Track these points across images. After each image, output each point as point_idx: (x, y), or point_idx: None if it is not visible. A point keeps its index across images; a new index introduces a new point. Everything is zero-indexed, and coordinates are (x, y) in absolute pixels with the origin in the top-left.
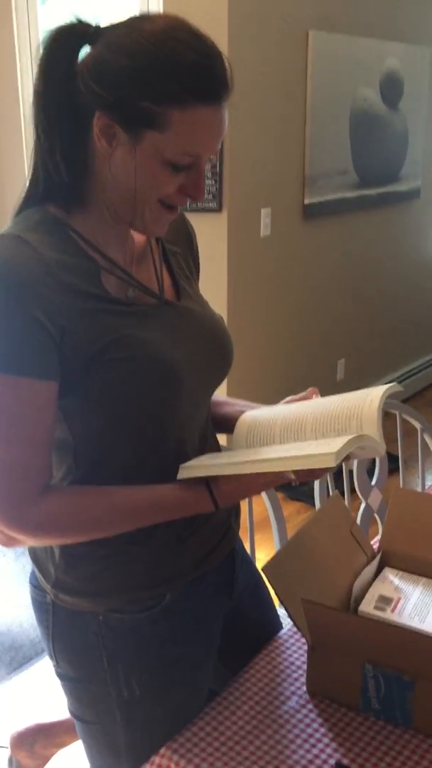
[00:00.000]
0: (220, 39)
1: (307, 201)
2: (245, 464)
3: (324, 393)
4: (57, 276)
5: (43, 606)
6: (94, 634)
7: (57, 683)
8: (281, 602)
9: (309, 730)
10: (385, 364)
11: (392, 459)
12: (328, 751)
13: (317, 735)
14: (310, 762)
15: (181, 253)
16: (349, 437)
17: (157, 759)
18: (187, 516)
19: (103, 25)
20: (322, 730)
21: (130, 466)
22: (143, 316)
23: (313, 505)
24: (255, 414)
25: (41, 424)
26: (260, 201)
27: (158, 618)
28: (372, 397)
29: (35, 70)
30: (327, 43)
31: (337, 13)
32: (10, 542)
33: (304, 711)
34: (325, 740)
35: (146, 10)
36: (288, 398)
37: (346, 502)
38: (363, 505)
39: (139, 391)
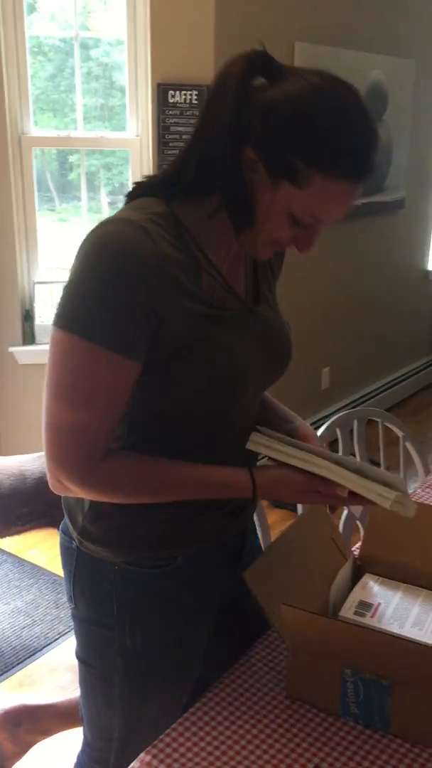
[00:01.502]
0: (207, 49)
1: None
2: (314, 464)
3: (309, 402)
4: (167, 270)
5: (69, 551)
6: (110, 581)
7: (39, 690)
8: (262, 607)
9: (288, 735)
10: (370, 373)
11: (375, 466)
12: (307, 755)
13: (296, 740)
14: (289, 766)
15: (268, 263)
16: (403, 492)
17: (136, 764)
18: (227, 498)
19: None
20: (302, 734)
21: (174, 450)
22: (228, 322)
23: (297, 513)
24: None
25: (118, 399)
26: None
27: (168, 576)
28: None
29: (215, 81)
30: (312, 55)
31: (322, 26)
32: (62, 491)
33: (284, 716)
34: (305, 745)
35: (133, 23)
36: None
37: (327, 510)
38: (345, 513)
39: (206, 388)
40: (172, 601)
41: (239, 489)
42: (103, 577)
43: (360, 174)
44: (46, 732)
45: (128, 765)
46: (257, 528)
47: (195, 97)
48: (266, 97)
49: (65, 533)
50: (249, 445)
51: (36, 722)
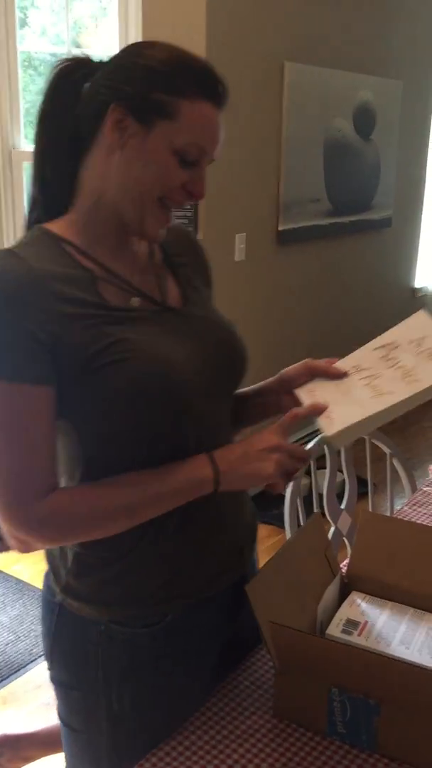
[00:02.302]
0: None
1: (281, 227)
2: (398, 404)
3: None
4: (48, 285)
5: (50, 605)
6: (94, 643)
7: (23, 707)
8: (260, 622)
9: (275, 754)
10: None
11: (362, 483)
12: None
13: (283, 759)
14: None
15: (188, 264)
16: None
17: None
18: (193, 492)
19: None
20: (288, 754)
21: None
22: (142, 321)
23: (283, 528)
24: (310, 387)
25: (38, 429)
26: (235, 226)
27: (158, 635)
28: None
29: (43, 92)
30: (302, 74)
31: (312, 46)
32: (22, 546)
33: (271, 735)
34: (291, 764)
35: (124, 41)
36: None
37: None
38: (332, 529)
39: (139, 394)
40: (161, 662)
41: (197, 468)
42: (88, 639)
43: (217, 92)
44: (28, 759)
45: None
46: None
47: None
48: (104, 72)
49: (47, 586)
50: (335, 446)
51: (17, 751)
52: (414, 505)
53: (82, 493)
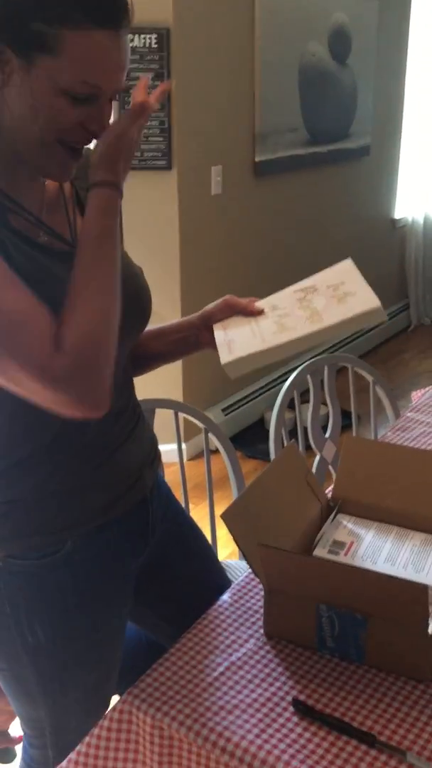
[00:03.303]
0: None
1: (257, 158)
2: (296, 340)
3: None
4: None
5: None
6: None
7: None
8: (239, 547)
9: (266, 671)
10: None
11: (345, 415)
12: (285, 689)
13: (274, 675)
14: (268, 700)
15: None
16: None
17: (119, 705)
18: (114, 211)
19: None
20: (279, 669)
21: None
22: (50, 260)
23: (269, 461)
24: (226, 322)
25: (20, 287)
26: (211, 159)
27: (59, 565)
28: (346, 269)
29: None
30: None
31: None
32: (88, 403)
33: (262, 653)
34: (282, 679)
35: None
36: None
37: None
38: (317, 458)
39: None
40: (67, 591)
41: (103, 201)
42: None
43: (111, 15)
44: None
45: (68, 751)
46: (230, 476)
47: (155, 41)
48: None
49: None
50: (231, 375)
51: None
52: (397, 430)
53: (67, 315)
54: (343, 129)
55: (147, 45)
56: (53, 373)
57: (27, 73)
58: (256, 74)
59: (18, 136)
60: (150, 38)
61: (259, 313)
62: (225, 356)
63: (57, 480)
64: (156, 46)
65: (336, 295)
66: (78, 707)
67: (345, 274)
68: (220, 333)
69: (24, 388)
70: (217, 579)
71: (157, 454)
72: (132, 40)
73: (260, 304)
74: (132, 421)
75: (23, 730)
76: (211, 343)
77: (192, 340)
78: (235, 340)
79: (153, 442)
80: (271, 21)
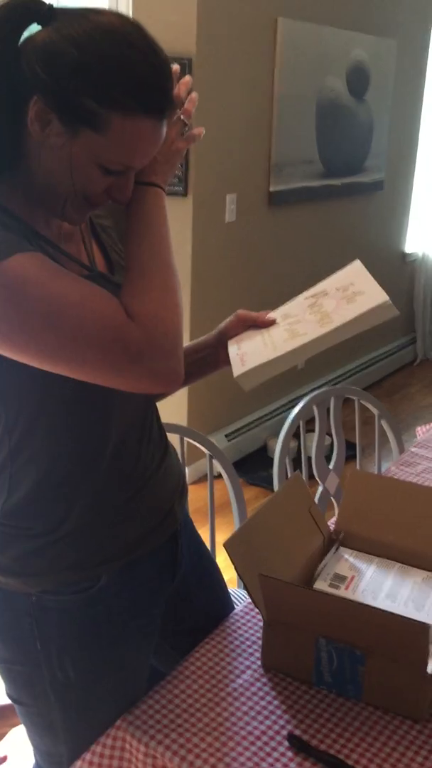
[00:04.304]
0: (189, 23)
1: (272, 188)
2: (308, 344)
3: (284, 382)
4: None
5: None
6: (27, 614)
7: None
8: (240, 577)
9: (262, 703)
10: (345, 353)
11: (350, 446)
12: (281, 722)
13: (270, 708)
14: (263, 733)
15: (111, 227)
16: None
17: (112, 731)
18: (162, 209)
19: (56, 5)
20: (276, 702)
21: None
22: None
23: (272, 490)
24: (240, 337)
25: (68, 273)
26: (226, 187)
27: (93, 600)
28: (356, 270)
29: None
30: (296, 31)
31: (306, 2)
32: (165, 375)
33: (258, 684)
34: (278, 713)
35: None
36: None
37: None
38: (320, 489)
39: None
40: (100, 627)
41: (155, 199)
42: (20, 612)
43: (160, 106)
44: (16, 725)
45: None
46: (233, 503)
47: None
48: (43, 42)
49: None
50: (245, 387)
51: (3, 719)
52: (401, 465)
53: (135, 289)
54: (357, 163)
55: None
56: (128, 343)
57: (68, 140)
58: (274, 106)
59: (45, 186)
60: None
61: (272, 323)
62: (238, 369)
63: (95, 511)
64: (178, 75)
65: (345, 296)
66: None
67: (354, 274)
68: (233, 348)
69: (94, 368)
70: (228, 610)
71: (185, 488)
72: None
73: (272, 314)
74: (160, 450)
75: (38, 763)
76: (228, 361)
77: (210, 360)
78: (248, 353)
79: (181, 475)
80: (291, 55)
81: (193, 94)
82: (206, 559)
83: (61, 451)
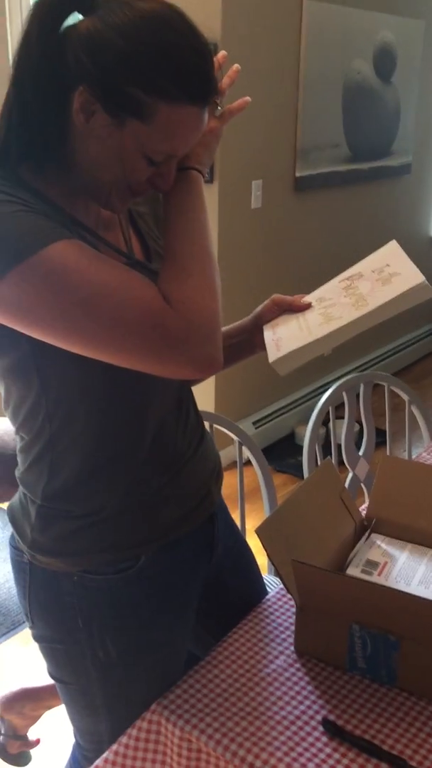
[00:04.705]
0: (214, 8)
1: (298, 174)
2: (343, 328)
3: (312, 369)
4: (35, 207)
5: (20, 566)
6: (69, 594)
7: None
8: (272, 563)
9: (296, 688)
10: (373, 339)
11: (379, 432)
12: (315, 707)
13: (304, 693)
14: (297, 718)
15: (148, 213)
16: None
17: (148, 715)
18: (200, 192)
19: None
20: (309, 687)
21: (99, 418)
22: None
23: (301, 477)
24: (275, 321)
25: (108, 260)
26: (251, 173)
27: (132, 580)
28: (392, 250)
29: (23, 26)
30: (321, 13)
31: None
32: (207, 361)
33: (292, 670)
34: (312, 698)
35: None
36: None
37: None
38: (350, 475)
39: None
40: (140, 606)
41: (194, 185)
42: (62, 591)
43: (205, 93)
44: (51, 707)
45: None
46: (262, 489)
47: None
48: (88, 31)
49: (15, 548)
50: (281, 372)
51: (38, 701)
52: None
53: (172, 275)
54: (384, 147)
55: None
56: (167, 328)
57: (114, 130)
58: (300, 90)
59: (91, 175)
60: None
61: (307, 307)
62: (273, 354)
63: (133, 495)
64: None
65: (381, 278)
66: None
67: (390, 256)
68: (268, 333)
69: (133, 354)
70: (262, 595)
71: (221, 472)
72: None
73: (307, 298)
74: (197, 435)
75: (78, 743)
76: (264, 345)
77: (246, 344)
78: (283, 338)
79: (217, 459)
80: (317, 38)
81: (235, 67)
82: (241, 543)
83: (101, 437)
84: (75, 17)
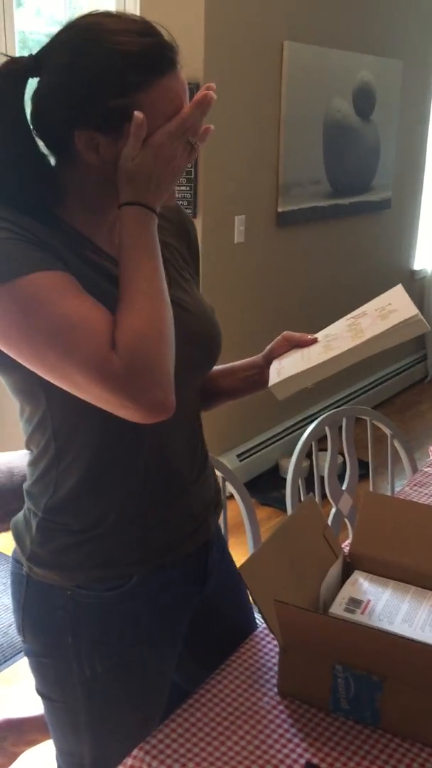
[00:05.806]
0: (197, 47)
1: (280, 209)
2: (339, 356)
3: (295, 401)
4: (46, 236)
5: (18, 578)
6: (62, 608)
7: (32, 683)
8: (255, 602)
9: (280, 731)
10: (356, 372)
11: (362, 465)
12: (299, 750)
13: (288, 735)
14: (281, 762)
15: (174, 246)
16: (404, 306)
17: (129, 761)
18: (149, 227)
19: (35, 51)
20: (293, 730)
21: (105, 442)
22: None
23: (285, 510)
24: (284, 356)
25: (86, 297)
26: (235, 208)
27: (124, 598)
28: (396, 293)
29: None
30: (302, 54)
31: (311, 25)
32: (149, 407)
33: (275, 711)
34: (296, 740)
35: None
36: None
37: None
38: (333, 510)
39: None
40: (130, 624)
41: (138, 223)
42: (55, 605)
43: (170, 60)
44: (32, 743)
45: None
46: (246, 524)
47: None
48: (48, 87)
49: (15, 560)
50: (279, 396)
51: (21, 734)
52: (415, 485)
53: (119, 319)
54: (365, 182)
55: None
56: (108, 373)
57: (118, 140)
58: (281, 128)
59: (99, 191)
60: None
61: (314, 342)
62: (273, 379)
63: (131, 515)
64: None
65: (381, 315)
66: (120, 746)
67: (393, 296)
68: (275, 363)
69: (85, 391)
70: (253, 628)
71: (220, 502)
72: None
73: (316, 335)
74: (199, 462)
75: (59, 765)
76: None
77: (258, 378)
78: (285, 366)
79: (217, 489)
80: (297, 77)
81: (208, 94)
82: (234, 576)
83: (98, 456)
84: (31, 84)
